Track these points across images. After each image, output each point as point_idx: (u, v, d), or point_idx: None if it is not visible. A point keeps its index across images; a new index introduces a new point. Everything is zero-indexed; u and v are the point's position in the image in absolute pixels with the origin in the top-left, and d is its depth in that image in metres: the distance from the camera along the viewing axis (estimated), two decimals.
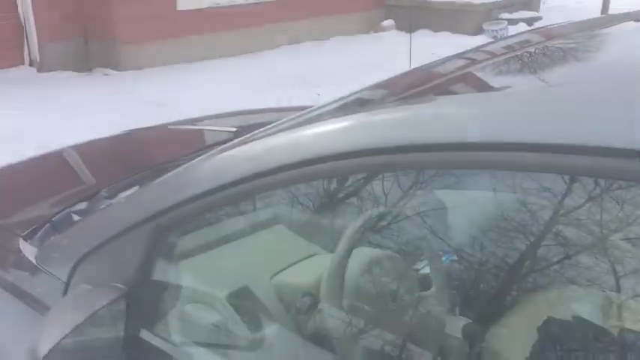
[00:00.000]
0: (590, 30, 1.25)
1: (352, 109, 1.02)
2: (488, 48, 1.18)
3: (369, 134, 0.82)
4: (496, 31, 7.59)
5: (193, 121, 2.58)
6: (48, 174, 1.94)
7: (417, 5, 8.19)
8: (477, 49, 1.22)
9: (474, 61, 1.13)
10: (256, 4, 7.04)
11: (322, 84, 5.62)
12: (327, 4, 7.80)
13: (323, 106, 1.14)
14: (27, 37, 5.82)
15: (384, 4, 8.56)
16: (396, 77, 1.20)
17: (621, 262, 0.75)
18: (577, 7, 10.52)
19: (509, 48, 1.17)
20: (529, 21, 8.12)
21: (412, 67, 3.67)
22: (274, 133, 1.00)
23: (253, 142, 0.98)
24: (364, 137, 0.82)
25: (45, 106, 4.76)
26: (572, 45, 1.17)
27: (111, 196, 1.45)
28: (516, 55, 1.14)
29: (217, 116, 2.60)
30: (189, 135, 2.26)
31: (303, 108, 2.85)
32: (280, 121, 1.16)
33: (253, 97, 5.16)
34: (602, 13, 7.90)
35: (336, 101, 1.15)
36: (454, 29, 7.87)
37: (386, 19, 8.50)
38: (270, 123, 2.49)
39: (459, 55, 1.21)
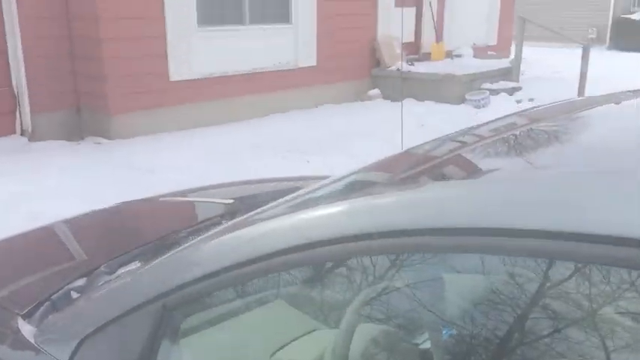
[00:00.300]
0: (575, 112, 1.33)
1: (350, 192, 1.06)
2: (478, 130, 1.25)
3: (367, 219, 0.86)
4: (478, 100, 7.85)
5: (188, 191, 2.61)
6: (43, 249, 1.94)
7: (403, 76, 8.51)
8: (467, 130, 1.29)
9: (464, 144, 1.19)
10: (246, 73, 7.26)
11: (312, 151, 5.73)
12: (315, 74, 8.07)
13: (321, 187, 1.19)
14: (19, 107, 5.91)
15: (370, 75, 8.87)
16: (391, 158, 1.26)
17: (602, 340, 0.79)
18: (554, 78, 10.96)
19: (498, 130, 1.24)
20: (510, 91, 8.44)
21: (402, 129, 3.77)
22: (276, 215, 1.04)
23: (256, 225, 1.02)
24: (363, 222, 0.86)
25: (36, 174, 4.78)
26: (557, 128, 1.25)
27: (110, 272, 1.47)
28: (504, 138, 1.21)
29: (212, 187, 2.63)
30: (185, 207, 2.28)
31: (297, 179, 2.88)
32: (281, 201, 1.20)
33: (243, 164, 5.24)
34: (580, 83, 8.24)
35: (333, 182, 1.20)
36: (438, 98, 8.14)
37: (372, 88, 8.78)
38: (265, 193, 2.52)
39: (449, 137, 1.28)
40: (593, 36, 15.95)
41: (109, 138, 6.04)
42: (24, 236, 2.04)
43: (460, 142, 1.22)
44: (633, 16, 16.04)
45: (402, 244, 0.84)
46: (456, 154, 1.13)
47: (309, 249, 0.88)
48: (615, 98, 1.38)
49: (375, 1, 8.76)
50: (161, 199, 2.45)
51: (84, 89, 6.21)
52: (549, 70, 12.04)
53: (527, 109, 1.41)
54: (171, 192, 2.59)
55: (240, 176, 4.85)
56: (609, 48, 16.10)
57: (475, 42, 10.86)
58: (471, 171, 1.03)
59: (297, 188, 2.52)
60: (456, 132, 1.35)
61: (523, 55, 9.54)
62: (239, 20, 7.17)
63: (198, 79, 6.73)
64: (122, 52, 6.00)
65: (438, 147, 1.22)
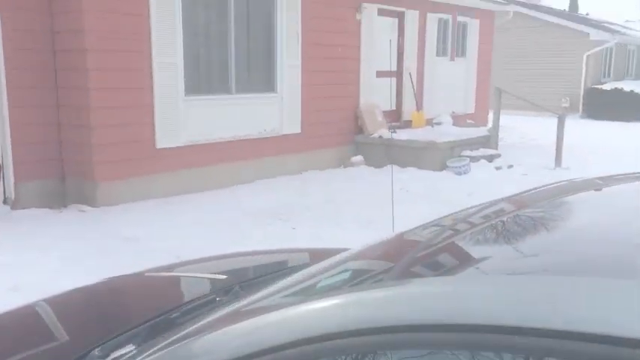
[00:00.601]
0: (559, 198, 1.40)
1: (345, 283, 1.10)
2: (471, 217, 1.31)
3: (363, 314, 0.89)
4: (459, 167, 8.04)
5: (175, 265, 2.59)
6: (29, 330, 1.90)
7: (385, 143, 8.72)
8: (458, 216, 1.35)
9: (456, 231, 1.24)
10: (233, 141, 7.38)
11: (298, 219, 5.76)
12: (300, 141, 8.23)
13: (318, 274, 1.22)
14: (3, 176, 5.91)
15: (353, 141, 9.06)
16: (383, 244, 1.30)
17: None
18: (530, 145, 11.30)
19: (488, 217, 1.30)
20: (489, 158, 8.67)
21: (392, 203, 3.84)
22: (274, 306, 1.06)
23: (255, 318, 1.04)
24: (359, 317, 0.89)
25: (18, 244, 4.72)
26: (542, 214, 1.31)
27: (104, 356, 1.45)
28: (492, 225, 1.27)
29: (201, 260, 2.63)
30: (175, 283, 2.27)
31: (285, 251, 2.87)
32: (277, 288, 1.23)
33: (230, 232, 5.24)
34: (557, 151, 8.50)
35: (329, 268, 1.23)
36: (420, 165, 8.32)
37: (355, 154, 8.95)
38: (255, 268, 2.50)
39: (441, 223, 1.33)
40: (567, 105, 16.59)
41: (93, 205, 6.02)
42: (7, 316, 1.99)
43: (452, 229, 1.27)
44: (604, 87, 16.78)
45: (397, 341, 0.86)
46: (449, 243, 1.18)
47: (309, 344, 0.90)
48: (596, 184, 1.46)
49: (357, 72, 9.08)
50: (147, 274, 2.42)
51: (70, 157, 6.24)
52: (525, 137, 12.44)
53: (514, 195, 1.48)
54: (158, 266, 2.56)
55: (227, 244, 4.84)
56: (582, 117, 16.73)
57: (454, 110, 11.23)
58: (463, 262, 1.08)
59: (286, 262, 2.53)
60: (447, 216, 1.41)
61: (500, 123, 9.88)
62: (225, 90, 7.36)
63: (185, 146, 6.82)
64: (110, 120, 6.09)
65: (431, 233, 1.27)
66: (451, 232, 1.25)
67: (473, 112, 11.89)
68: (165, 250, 4.66)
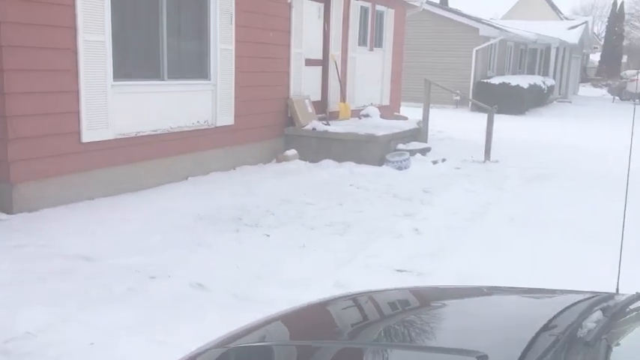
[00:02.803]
0: None
1: None
2: None
3: None
4: (400, 162, 7.87)
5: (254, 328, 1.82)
6: None
7: (318, 136, 8.30)
8: None
9: None
10: (164, 133, 6.52)
11: (263, 223, 5.16)
12: (232, 133, 7.54)
13: None
14: None
15: (283, 134, 8.53)
16: None
17: None
18: (446, 137, 11.53)
19: None
20: (423, 152, 8.64)
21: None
22: None
23: None
24: None
25: None
26: None
27: None
28: None
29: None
30: None
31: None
32: None
33: (194, 242, 4.51)
34: (486, 144, 8.67)
35: None
36: (358, 160, 8.02)
37: (287, 148, 8.43)
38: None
39: None
40: (458, 98, 17.34)
41: (9, 212, 4.92)
42: None
43: None
44: (491, 81, 17.77)
45: None
46: None
47: None
48: None
49: (288, 59, 8.54)
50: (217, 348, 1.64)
51: None
52: (434, 129, 12.69)
53: None
54: (221, 339, 1.69)
55: (205, 261, 4.13)
56: (472, 110, 17.55)
57: (372, 102, 11.11)
58: None
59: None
60: None
61: (408, 115, 9.89)
62: (157, 75, 6.46)
63: (114, 139, 5.86)
64: (28, 108, 5.00)
65: None
66: None
67: (388, 104, 11.88)
68: (133, 269, 3.87)
